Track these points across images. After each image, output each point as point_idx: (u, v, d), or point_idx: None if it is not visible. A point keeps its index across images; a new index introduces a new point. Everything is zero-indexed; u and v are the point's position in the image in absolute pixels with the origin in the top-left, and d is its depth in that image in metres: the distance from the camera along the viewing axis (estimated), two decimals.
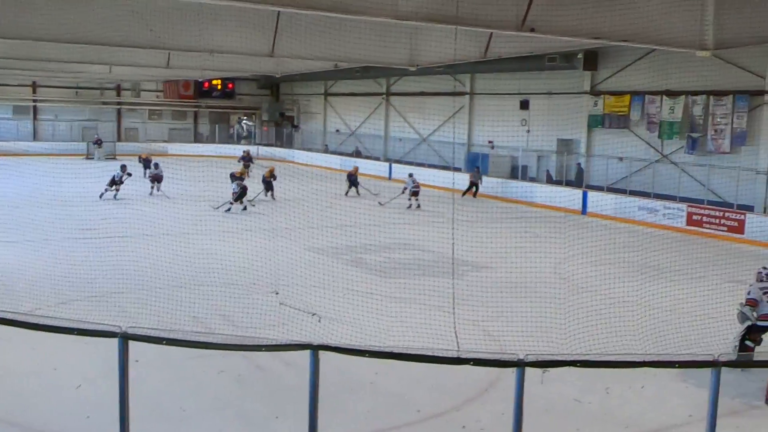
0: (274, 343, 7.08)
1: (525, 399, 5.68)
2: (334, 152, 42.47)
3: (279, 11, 15.72)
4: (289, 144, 47.71)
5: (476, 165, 30.98)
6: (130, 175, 26.06)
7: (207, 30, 15.82)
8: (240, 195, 24.07)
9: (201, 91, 48.76)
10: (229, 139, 49.69)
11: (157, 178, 27.25)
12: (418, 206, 25.76)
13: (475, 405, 8.64)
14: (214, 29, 16.06)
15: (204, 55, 19.03)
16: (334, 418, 7.78)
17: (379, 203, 26.42)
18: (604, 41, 14.86)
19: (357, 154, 40.82)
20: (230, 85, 49.22)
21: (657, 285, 14.51)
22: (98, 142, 42.41)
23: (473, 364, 5.98)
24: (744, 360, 8.76)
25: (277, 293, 12.69)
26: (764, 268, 10.69)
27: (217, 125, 49.90)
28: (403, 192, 26.72)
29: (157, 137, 47.73)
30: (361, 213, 21.18)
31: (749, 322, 10.12)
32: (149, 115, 49.53)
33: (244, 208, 23.85)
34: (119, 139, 46.59)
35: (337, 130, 44.85)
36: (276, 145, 47.06)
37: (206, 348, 6.62)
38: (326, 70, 29.01)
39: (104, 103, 48.03)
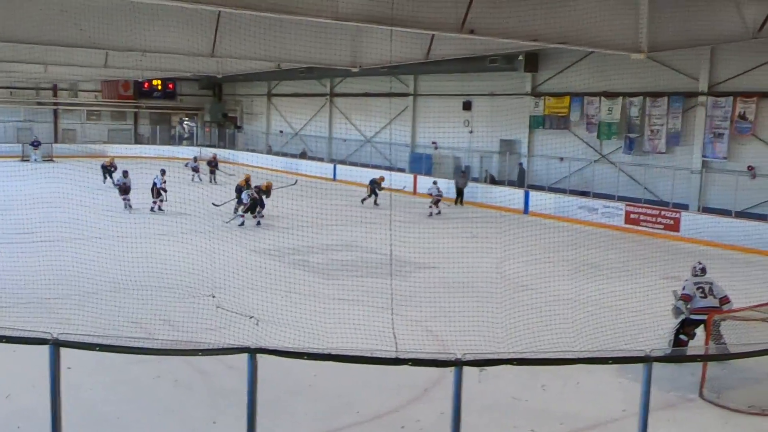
0: (212, 347, 6.99)
1: (464, 398, 5.72)
2: (277, 153, 42.14)
3: (219, 11, 15.53)
4: (231, 145, 47.13)
5: (462, 170, 30.28)
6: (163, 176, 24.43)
7: (143, 29, 15.51)
8: (251, 207, 22.39)
9: (141, 91, 47.96)
10: (170, 141, 48.91)
11: (124, 189, 24.21)
12: (438, 213, 25.31)
13: (416, 405, 8.67)
14: (152, 29, 15.74)
15: (141, 54, 18.67)
16: (274, 421, 7.74)
17: (438, 212, 25.36)
18: (542, 43, 15.09)
19: (303, 155, 40.61)
20: (171, 86, 48.51)
21: (595, 282, 14.81)
22: (36, 144, 41.19)
23: (411, 365, 5.99)
24: (674, 355, 8.99)
25: (213, 296, 12.54)
26: (699, 263, 11.05)
27: (158, 126, 49.00)
28: (434, 198, 25.73)
29: (96, 138, 46.65)
30: (307, 214, 21.02)
31: (683, 316, 10.43)
32: (88, 116, 48.32)
33: (258, 223, 22.25)
34: (56, 141, 45.30)
35: (281, 131, 44.53)
36: (219, 146, 46.47)
37: (141, 353, 6.48)
38: (269, 71, 28.78)
39: (40, 104, 46.67)
